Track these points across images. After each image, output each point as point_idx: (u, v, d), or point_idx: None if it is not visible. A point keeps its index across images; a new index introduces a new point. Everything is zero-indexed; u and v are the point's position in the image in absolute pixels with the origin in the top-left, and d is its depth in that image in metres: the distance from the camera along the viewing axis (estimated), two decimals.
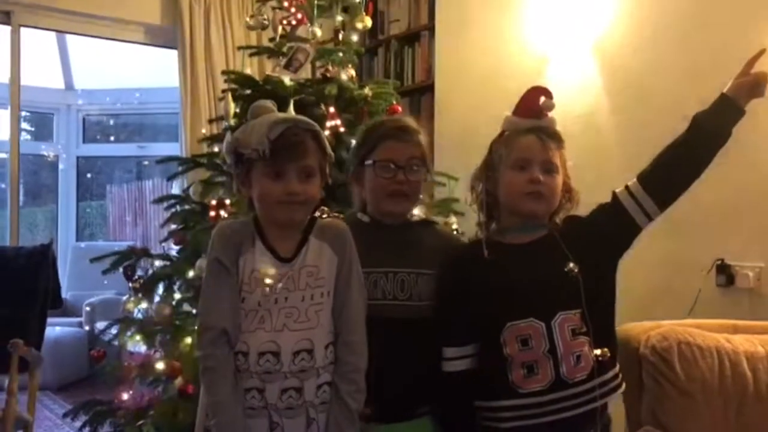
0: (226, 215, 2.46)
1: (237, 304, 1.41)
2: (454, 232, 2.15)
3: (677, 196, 1.57)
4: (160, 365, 2.48)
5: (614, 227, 1.58)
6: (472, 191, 1.67)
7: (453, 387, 1.58)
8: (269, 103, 1.48)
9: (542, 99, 1.59)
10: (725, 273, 2.64)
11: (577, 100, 3.14)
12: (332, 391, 1.43)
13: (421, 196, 1.71)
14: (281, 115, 1.47)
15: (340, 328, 1.45)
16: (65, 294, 5.60)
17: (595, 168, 3.17)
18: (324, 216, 1.58)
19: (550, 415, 1.48)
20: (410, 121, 1.70)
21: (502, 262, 1.56)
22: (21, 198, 6.69)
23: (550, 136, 1.59)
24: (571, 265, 1.52)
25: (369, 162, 1.62)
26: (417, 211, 1.71)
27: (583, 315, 1.51)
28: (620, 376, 1.58)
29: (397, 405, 1.54)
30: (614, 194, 1.59)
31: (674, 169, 1.57)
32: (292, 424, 1.40)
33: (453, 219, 2.58)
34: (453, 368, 1.57)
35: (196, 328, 1.54)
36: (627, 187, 1.58)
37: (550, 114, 1.61)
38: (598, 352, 1.51)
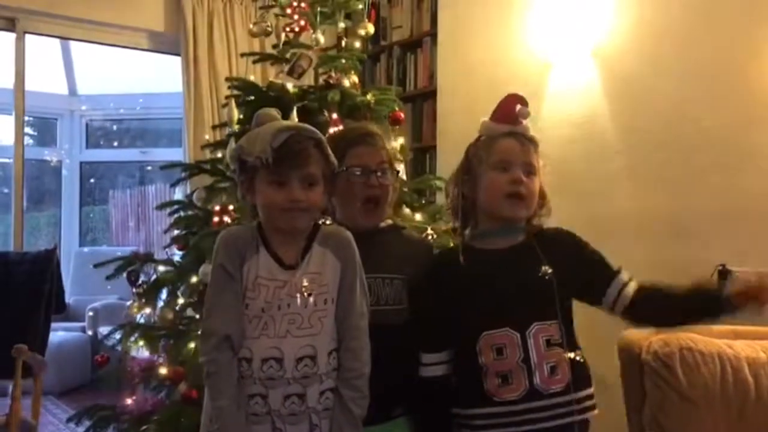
0: (229, 221, 2.47)
1: (240, 311, 1.42)
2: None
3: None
4: (163, 370, 2.48)
5: (589, 284, 1.59)
6: (447, 197, 1.69)
7: (430, 392, 1.59)
8: (274, 111, 1.49)
9: (518, 107, 1.62)
10: (726, 278, 2.63)
11: (579, 105, 3.14)
12: (336, 397, 1.43)
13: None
14: (285, 123, 1.48)
15: (343, 335, 1.45)
16: (68, 299, 5.61)
17: (595, 173, 3.19)
18: (328, 223, 1.59)
19: (525, 425, 1.49)
20: (374, 127, 1.74)
21: (479, 269, 1.57)
22: (24, 203, 6.71)
23: (529, 139, 1.62)
24: (545, 268, 1.54)
25: (340, 169, 1.61)
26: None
27: (560, 325, 1.53)
28: (594, 397, 1.58)
29: (372, 408, 1.52)
30: (618, 272, 1.60)
31: (659, 318, 1.64)
32: (295, 430, 1.40)
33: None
34: (430, 374, 1.59)
35: (199, 333, 1.54)
36: (624, 285, 1.58)
37: (525, 121, 1.64)
38: (572, 355, 1.53)
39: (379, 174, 1.64)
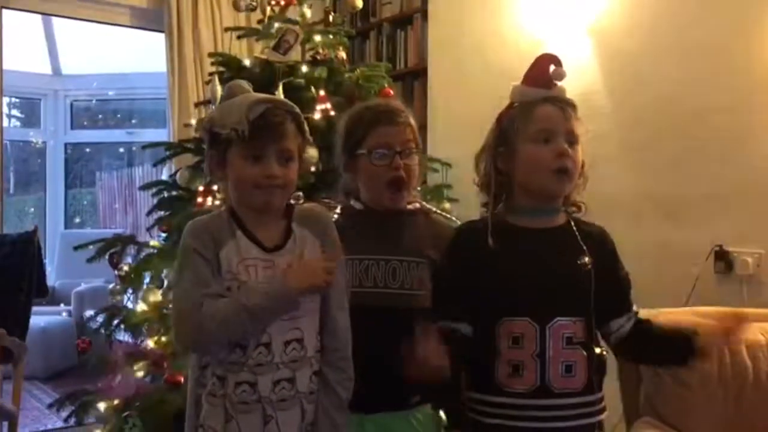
0: (213, 201, 2.41)
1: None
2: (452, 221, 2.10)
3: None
4: (146, 354, 2.43)
5: (607, 295, 1.48)
6: (477, 171, 1.55)
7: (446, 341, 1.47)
8: (245, 84, 1.42)
9: (552, 67, 1.49)
10: (724, 259, 2.61)
11: (573, 84, 3.03)
12: (321, 380, 1.39)
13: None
14: (260, 95, 1.41)
15: (326, 315, 1.41)
16: (54, 282, 5.56)
17: (590, 151, 3.13)
18: (300, 201, 1.53)
19: (534, 421, 1.42)
20: (397, 103, 1.65)
21: (509, 250, 1.45)
22: (11, 186, 6.61)
23: (567, 104, 1.49)
24: (586, 259, 1.44)
25: (362, 151, 1.56)
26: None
27: (587, 323, 1.44)
28: (604, 400, 1.50)
29: (390, 395, 1.50)
30: (631, 307, 1.52)
31: (643, 357, 1.68)
32: (286, 416, 1.35)
33: (447, 205, 2.53)
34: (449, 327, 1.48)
35: (173, 321, 1.42)
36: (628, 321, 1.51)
37: (560, 83, 1.51)
38: (598, 350, 1.46)
39: (411, 152, 1.57)
